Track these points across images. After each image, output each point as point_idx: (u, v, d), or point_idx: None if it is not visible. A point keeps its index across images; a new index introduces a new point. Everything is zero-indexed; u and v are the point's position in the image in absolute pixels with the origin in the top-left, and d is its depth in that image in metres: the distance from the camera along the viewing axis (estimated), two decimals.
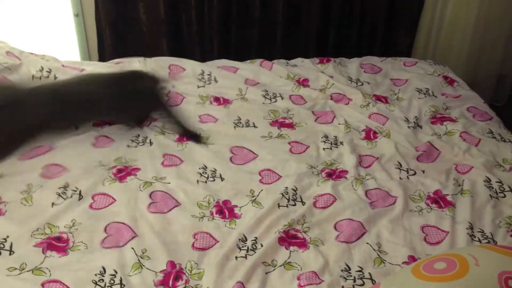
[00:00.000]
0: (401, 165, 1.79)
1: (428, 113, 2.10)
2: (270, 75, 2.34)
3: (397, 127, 2.00)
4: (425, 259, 1.19)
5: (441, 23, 2.92)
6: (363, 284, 1.34)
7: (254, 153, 1.83)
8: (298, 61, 2.50)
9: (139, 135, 1.89)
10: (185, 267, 1.37)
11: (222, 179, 1.69)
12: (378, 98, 2.19)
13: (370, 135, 1.96)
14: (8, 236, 1.42)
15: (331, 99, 2.21)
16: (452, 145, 1.89)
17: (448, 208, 1.60)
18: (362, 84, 2.31)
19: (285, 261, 1.41)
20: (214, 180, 1.69)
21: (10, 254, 1.37)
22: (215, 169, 1.73)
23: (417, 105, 2.16)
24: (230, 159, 1.80)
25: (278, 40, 2.76)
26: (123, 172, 1.69)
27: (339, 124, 2.03)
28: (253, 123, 2.00)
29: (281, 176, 1.72)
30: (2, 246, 1.39)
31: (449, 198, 1.64)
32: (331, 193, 1.64)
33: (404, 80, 2.35)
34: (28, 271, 1.32)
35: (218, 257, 1.40)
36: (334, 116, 2.08)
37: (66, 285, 1.29)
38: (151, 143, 1.85)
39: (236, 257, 1.40)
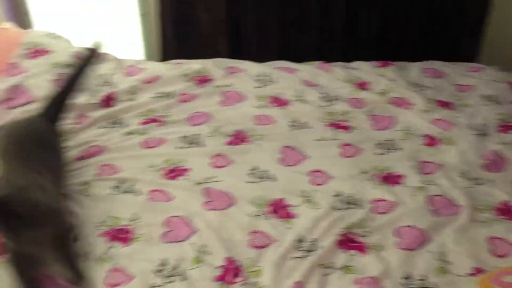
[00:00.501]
0: (466, 174, 1.73)
1: (495, 121, 2.02)
2: (328, 78, 2.31)
3: (462, 134, 1.93)
4: (493, 272, 1.15)
5: (509, 25, 2.80)
6: None
7: (306, 155, 1.81)
8: (356, 64, 2.46)
9: (190, 134, 1.90)
10: (243, 265, 1.38)
11: (274, 180, 1.69)
12: (442, 104, 2.12)
13: (432, 141, 1.90)
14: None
15: (391, 103, 2.16)
16: None
17: None
18: (424, 89, 2.25)
19: (344, 264, 1.38)
20: (266, 180, 1.69)
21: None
22: (266, 170, 1.73)
23: (483, 112, 2.07)
24: (282, 159, 1.79)
25: (337, 44, 2.72)
26: (174, 173, 1.71)
27: (397, 129, 1.98)
28: (308, 125, 1.99)
29: (331, 177, 1.70)
30: None
31: None
32: (390, 198, 1.60)
33: (468, 86, 2.27)
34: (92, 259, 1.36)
35: (276, 256, 1.39)
36: (394, 121, 2.03)
37: (129, 274, 1.32)
38: (201, 144, 1.85)
39: (294, 257, 1.40)
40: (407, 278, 1.35)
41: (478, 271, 1.36)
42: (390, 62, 2.45)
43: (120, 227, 1.47)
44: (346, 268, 1.37)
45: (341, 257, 1.41)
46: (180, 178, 1.68)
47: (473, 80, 2.31)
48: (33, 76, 2.06)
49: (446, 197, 1.62)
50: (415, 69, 2.41)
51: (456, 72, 2.38)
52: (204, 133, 1.91)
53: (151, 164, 1.74)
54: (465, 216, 1.53)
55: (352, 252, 1.42)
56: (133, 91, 2.14)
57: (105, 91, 2.12)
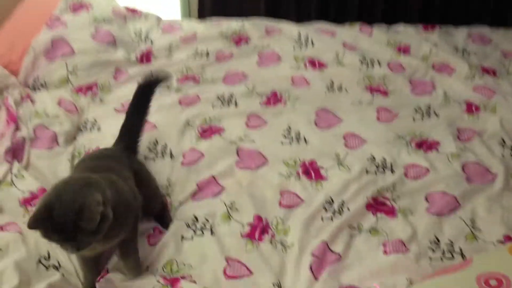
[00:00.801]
0: (505, 142, 1.67)
1: None
2: (369, 41, 2.26)
3: (504, 102, 1.85)
4: None
5: None
6: (452, 258, 1.29)
7: (341, 118, 1.79)
8: (400, 27, 2.39)
9: (225, 93, 1.90)
10: (271, 222, 1.40)
11: (307, 142, 1.68)
12: (486, 71, 2.04)
13: (472, 108, 1.84)
14: None
15: (433, 68, 2.09)
16: None
17: None
18: (469, 55, 2.16)
19: (372, 226, 1.38)
20: (298, 142, 1.68)
21: None
22: (299, 131, 1.72)
23: None
24: (315, 122, 1.77)
25: (379, 2, 2.63)
26: (208, 131, 1.73)
27: (437, 95, 1.92)
28: (345, 89, 1.95)
29: (366, 141, 1.68)
30: None
31: None
32: (424, 164, 1.57)
33: None
34: None
35: (305, 216, 1.40)
36: (434, 87, 1.97)
37: (161, 230, 1.38)
38: (236, 104, 1.86)
39: (322, 218, 1.40)
40: (435, 242, 1.33)
41: (509, 239, 1.33)
42: (435, 25, 2.37)
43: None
44: (374, 231, 1.37)
45: (369, 220, 1.40)
46: (214, 136, 1.70)
47: None
48: (74, 29, 2.10)
49: (481, 164, 1.57)
50: (461, 34, 2.32)
51: (504, 38, 2.29)
52: (239, 93, 1.91)
53: (186, 121, 1.76)
54: (499, 184, 1.49)
55: (380, 215, 1.41)
56: (170, 49, 2.16)
57: (142, 48, 2.15)
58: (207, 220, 1.40)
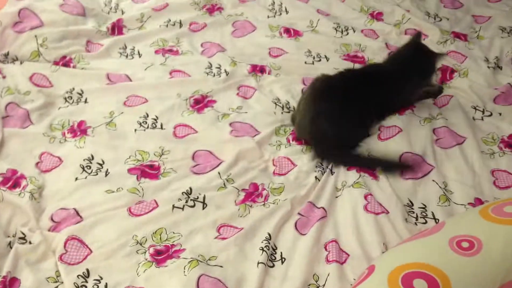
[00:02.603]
0: (476, 106, 1.71)
1: (510, 54, 1.96)
2: (343, 7, 2.25)
3: (475, 67, 1.89)
4: (494, 202, 1.16)
5: None
6: (425, 223, 1.34)
7: None
8: None
9: (211, 65, 1.89)
10: (268, 185, 1.45)
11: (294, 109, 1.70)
12: (457, 35, 2.07)
13: (446, 75, 1.87)
14: (103, 162, 1.51)
15: (405, 34, 2.11)
16: None
17: None
18: (441, 20, 2.18)
19: (355, 181, 1.44)
20: (289, 111, 1.70)
21: (105, 176, 1.47)
22: (287, 101, 1.74)
23: (499, 45, 2.01)
24: (302, 90, 1.79)
25: None
26: (200, 104, 1.72)
27: None
28: (325, 56, 1.96)
29: None
30: (99, 170, 1.48)
31: None
32: (398, 124, 1.62)
33: (487, 17, 2.20)
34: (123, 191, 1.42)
35: (297, 179, 1.47)
36: None
37: (156, 202, 1.38)
38: (226, 73, 1.85)
39: (316, 178, 1.46)
40: (409, 206, 1.39)
41: (479, 202, 1.38)
42: None
43: (148, 163, 1.51)
44: (357, 183, 1.43)
45: (353, 176, 1.46)
46: (206, 109, 1.70)
47: (491, 11, 2.23)
48: (41, 0, 2.03)
49: (451, 128, 1.62)
50: None
51: (475, 2, 2.30)
52: (222, 64, 1.90)
53: (177, 95, 1.75)
54: (470, 148, 1.54)
55: (363, 174, 1.47)
56: (142, 19, 2.11)
57: (113, 19, 2.11)
58: (199, 194, 1.41)
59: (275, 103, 1.73)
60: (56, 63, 1.88)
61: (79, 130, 1.61)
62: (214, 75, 1.85)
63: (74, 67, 1.87)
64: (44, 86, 1.79)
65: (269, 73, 1.88)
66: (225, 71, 1.86)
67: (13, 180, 1.46)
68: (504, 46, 2.01)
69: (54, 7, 2.01)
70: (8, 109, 1.68)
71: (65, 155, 1.53)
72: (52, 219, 1.35)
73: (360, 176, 1.45)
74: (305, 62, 1.94)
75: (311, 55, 1.97)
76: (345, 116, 1.54)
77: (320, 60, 1.95)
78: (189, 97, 1.74)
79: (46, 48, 1.90)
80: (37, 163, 1.51)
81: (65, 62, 1.89)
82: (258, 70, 1.89)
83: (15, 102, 1.70)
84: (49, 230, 1.32)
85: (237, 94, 1.78)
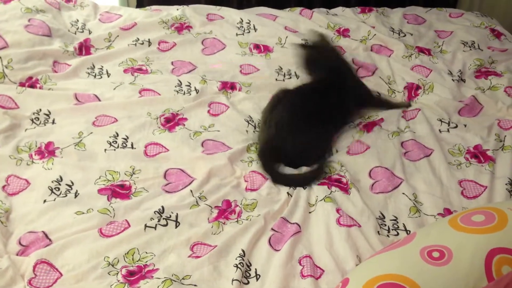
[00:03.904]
0: (442, 118, 1.76)
1: (473, 67, 2.03)
2: (310, 24, 2.29)
3: (440, 80, 1.95)
4: (462, 212, 1.18)
5: None
6: (397, 235, 1.35)
7: None
8: (338, 10, 2.44)
9: (180, 83, 1.89)
10: (240, 202, 1.44)
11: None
12: (421, 50, 2.13)
13: (411, 93, 1.91)
14: (73, 183, 1.47)
15: (372, 50, 2.16)
16: (496, 100, 1.84)
17: (488, 163, 1.57)
18: (405, 35, 2.25)
19: (326, 196, 1.44)
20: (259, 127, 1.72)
21: (75, 197, 1.43)
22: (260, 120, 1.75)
23: (461, 58, 2.09)
24: None
25: None
26: (171, 122, 1.72)
27: (380, 77, 1.99)
28: (295, 73, 1.99)
29: None
30: (68, 192, 1.45)
31: (489, 153, 1.61)
32: (365, 141, 1.65)
33: (449, 32, 2.27)
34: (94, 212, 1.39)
35: (270, 194, 1.47)
36: (376, 68, 2.04)
37: (128, 223, 1.36)
38: (197, 90, 1.85)
39: (288, 194, 1.47)
40: (380, 218, 1.40)
41: (448, 212, 1.41)
42: (372, 8, 2.44)
43: (119, 182, 1.49)
44: (328, 198, 1.44)
45: (325, 191, 1.47)
46: (178, 128, 1.69)
47: (453, 26, 2.31)
48: (5, 21, 1.99)
49: (418, 141, 1.65)
50: (396, 15, 2.41)
51: (437, 18, 2.39)
52: (191, 82, 1.90)
53: (147, 113, 1.74)
54: (437, 160, 1.58)
55: (335, 189, 1.48)
56: (110, 39, 2.10)
57: (80, 39, 2.09)
58: (171, 212, 1.39)
59: (248, 121, 1.73)
60: (22, 84, 1.84)
61: (47, 151, 1.57)
62: (184, 93, 1.84)
63: (40, 87, 1.84)
64: (10, 108, 1.74)
65: (239, 90, 1.89)
66: (195, 88, 1.86)
67: None
68: (466, 60, 2.08)
69: (19, 27, 1.98)
70: None
71: (33, 177, 1.49)
72: (20, 243, 1.31)
73: (331, 191, 1.46)
74: (276, 79, 1.95)
75: (282, 72, 1.99)
76: (305, 128, 1.58)
77: (290, 78, 1.97)
78: (160, 115, 1.73)
79: (12, 70, 1.86)
80: (3, 186, 1.47)
81: (31, 83, 1.85)
82: (228, 87, 1.89)
83: None
84: (17, 254, 1.28)
85: (208, 111, 1.78)
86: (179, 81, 1.90)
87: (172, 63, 2.02)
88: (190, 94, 1.84)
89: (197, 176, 1.52)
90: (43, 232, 1.33)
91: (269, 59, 2.07)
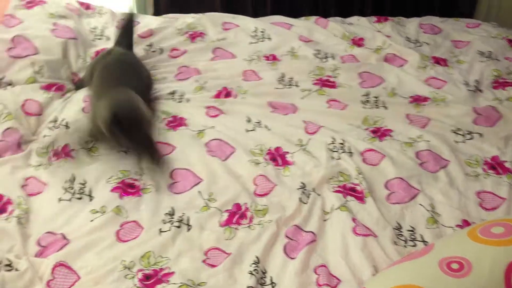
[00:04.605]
0: (457, 128, 1.74)
1: (490, 77, 2.02)
2: (325, 33, 2.29)
3: (456, 90, 1.93)
4: (481, 223, 1.17)
5: None
6: (414, 246, 1.34)
7: (295, 106, 1.85)
8: (354, 19, 2.44)
9: (174, 92, 1.89)
10: (250, 206, 1.43)
11: (268, 129, 1.72)
12: (437, 61, 2.12)
13: (422, 99, 1.90)
14: (86, 182, 1.50)
15: (385, 60, 2.15)
16: None
17: (506, 175, 1.56)
18: (421, 45, 2.23)
19: (342, 204, 1.43)
20: (260, 129, 1.72)
21: (90, 200, 1.45)
22: (259, 120, 1.75)
23: (478, 69, 2.07)
24: (271, 112, 1.81)
25: None
26: (175, 122, 1.73)
27: (383, 88, 1.97)
28: (296, 82, 1.98)
29: (323, 127, 1.73)
30: (82, 191, 1.47)
31: (507, 165, 1.59)
32: (378, 150, 1.63)
33: (466, 42, 2.26)
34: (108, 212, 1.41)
35: (281, 200, 1.46)
36: (383, 79, 2.02)
37: (140, 225, 1.37)
38: (188, 101, 1.86)
39: (300, 200, 1.46)
40: (397, 229, 1.39)
41: (466, 223, 1.39)
42: (388, 17, 2.43)
43: (129, 181, 1.50)
44: (343, 207, 1.42)
45: (340, 200, 1.46)
46: (180, 128, 1.71)
47: (470, 36, 2.30)
48: (32, 26, 2.02)
49: (434, 151, 1.64)
50: (412, 24, 2.39)
51: (454, 28, 2.37)
52: (189, 89, 1.90)
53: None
54: (454, 171, 1.56)
55: (350, 198, 1.47)
56: None
57: (98, 46, 2.11)
58: (183, 213, 1.40)
59: (247, 121, 1.75)
60: (48, 87, 1.86)
61: (64, 153, 1.59)
62: (178, 100, 1.85)
63: (64, 94, 1.87)
64: (33, 114, 1.75)
65: (235, 97, 1.88)
66: (187, 98, 1.86)
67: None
68: (483, 70, 2.06)
69: (46, 32, 2.00)
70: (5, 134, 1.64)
71: (49, 178, 1.51)
72: (39, 244, 1.32)
73: (346, 200, 1.45)
74: (275, 88, 1.95)
75: (283, 80, 1.99)
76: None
77: (290, 87, 1.96)
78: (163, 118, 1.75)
79: (41, 75, 1.88)
80: (22, 186, 1.48)
81: (58, 87, 1.87)
82: (224, 95, 1.89)
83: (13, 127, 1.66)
84: (36, 255, 1.29)
85: (207, 113, 1.78)
86: (176, 87, 1.91)
87: (178, 69, 2.03)
88: (182, 101, 1.85)
89: (204, 176, 1.52)
90: (62, 233, 1.35)
91: (274, 66, 2.06)
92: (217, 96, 1.89)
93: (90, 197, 1.46)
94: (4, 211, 1.41)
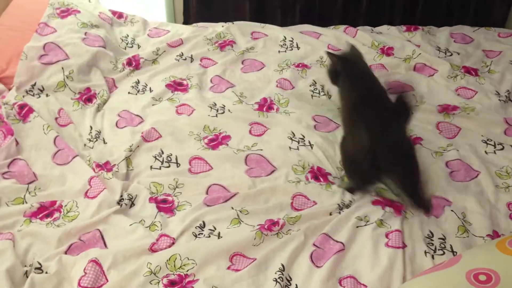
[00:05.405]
0: (488, 139, 1.72)
1: None
2: (354, 43, 2.28)
3: (486, 100, 1.91)
4: (511, 235, 1.15)
5: None
6: (443, 254, 1.33)
7: (336, 123, 1.83)
8: (383, 28, 2.43)
9: (215, 103, 1.90)
10: (282, 217, 1.43)
11: (312, 146, 1.71)
12: (468, 70, 2.09)
13: (451, 108, 1.88)
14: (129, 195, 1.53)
15: (415, 69, 2.13)
16: None
17: None
18: (451, 55, 2.21)
19: (379, 218, 1.42)
20: (304, 146, 1.71)
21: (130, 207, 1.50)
22: (303, 136, 1.74)
23: (510, 79, 2.03)
24: (314, 126, 1.81)
25: (363, 6, 2.67)
26: (215, 141, 1.73)
27: (413, 94, 1.95)
28: (327, 91, 1.98)
29: None
30: (126, 203, 1.50)
31: None
32: None
33: (497, 52, 2.22)
34: (146, 226, 1.43)
35: (316, 215, 1.45)
36: (412, 88, 2.00)
37: (172, 237, 1.39)
38: (230, 111, 1.86)
39: (331, 213, 1.45)
40: (429, 237, 1.38)
41: (497, 234, 1.37)
42: (418, 26, 2.42)
43: (163, 197, 1.52)
44: (379, 222, 1.41)
45: (378, 212, 1.45)
46: (221, 146, 1.70)
47: (502, 46, 2.26)
48: (64, 34, 2.08)
49: (465, 161, 1.62)
50: (443, 34, 2.37)
51: (485, 38, 2.33)
52: (230, 100, 1.92)
53: (189, 131, 1.76)
54: (484, 182, 1.54)
55: (389, 209, 1.46)
56: (157, 52, 2.16)
57: (129, 53, 2.15)
58: (214, 228, 1.41)
59: (291, 138, 1.74)
60: (80, 97, 1.91)
61: (106, 168, 1.63)
62: (222, 112, 1.85)
63: (94, 103, 1.91)
64: (65, 125, 1.81)
65: (277, 110, 1.88)
66: (229, 109, 1.87)
67: (48, 211, 1.47)
68: None
69: (77, 40, 2.05)
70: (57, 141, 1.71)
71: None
72: (80, 239, 1.37)
73: (384, 211, 1.44)
74: (312, 96, 1.96)
75: (316, 88, 1.99)
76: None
77: (324, 95, 1.97)
78: (203, 136, 1.75)
79: (72, 80, 1.93)
80: (86, 191, 1.53)
81: (89, 96, 1.92)
82: (266, 108, 1.90)
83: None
84: (71, 248, 1.34)
85: (250, 131, 1.78)
86: (216, 100, 1.92)
87: (211, 80, 2.05)
88: (224, 113, 1.85)
89: (241, 192, 1.52)
90: (100, 233, 1.39)
91: (305, 75, 2.07)
92: (259, 109, 1.89)
93: (131, 208, 1.50)
94: (51, 215, 1.45)
